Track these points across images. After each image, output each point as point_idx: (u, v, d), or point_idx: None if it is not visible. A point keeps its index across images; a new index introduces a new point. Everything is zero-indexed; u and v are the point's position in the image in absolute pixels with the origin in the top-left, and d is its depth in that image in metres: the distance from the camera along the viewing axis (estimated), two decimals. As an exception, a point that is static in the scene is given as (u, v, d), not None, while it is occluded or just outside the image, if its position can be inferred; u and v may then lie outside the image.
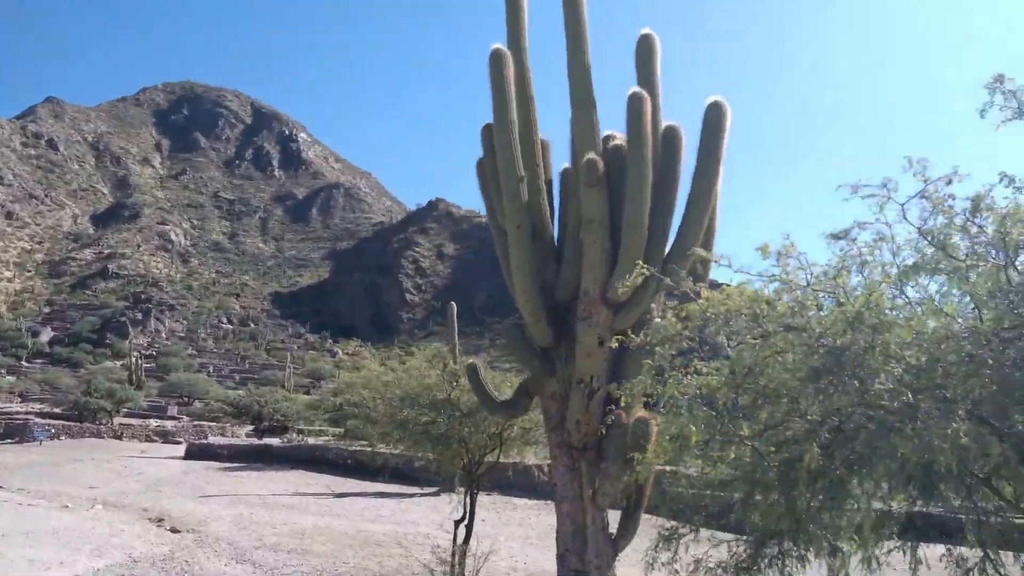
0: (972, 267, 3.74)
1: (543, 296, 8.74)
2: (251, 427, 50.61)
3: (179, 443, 43.03)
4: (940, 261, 3.92)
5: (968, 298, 3.86)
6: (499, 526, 18.74)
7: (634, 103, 8.06)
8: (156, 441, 45.19)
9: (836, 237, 4.95)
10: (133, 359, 71.88)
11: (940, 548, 4.49)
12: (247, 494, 23.53)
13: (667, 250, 8.45)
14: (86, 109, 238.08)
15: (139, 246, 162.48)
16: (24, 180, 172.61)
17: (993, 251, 3.79)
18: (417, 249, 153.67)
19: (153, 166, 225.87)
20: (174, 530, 16.48)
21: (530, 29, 9.31)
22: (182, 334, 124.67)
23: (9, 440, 39.19)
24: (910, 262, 4.55)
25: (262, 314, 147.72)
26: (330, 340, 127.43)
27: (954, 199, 3.88)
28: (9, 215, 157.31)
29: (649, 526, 8.25)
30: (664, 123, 8.70)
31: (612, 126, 8.78)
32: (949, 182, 3.85)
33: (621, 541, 8.58)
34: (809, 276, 4.44)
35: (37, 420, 43.38)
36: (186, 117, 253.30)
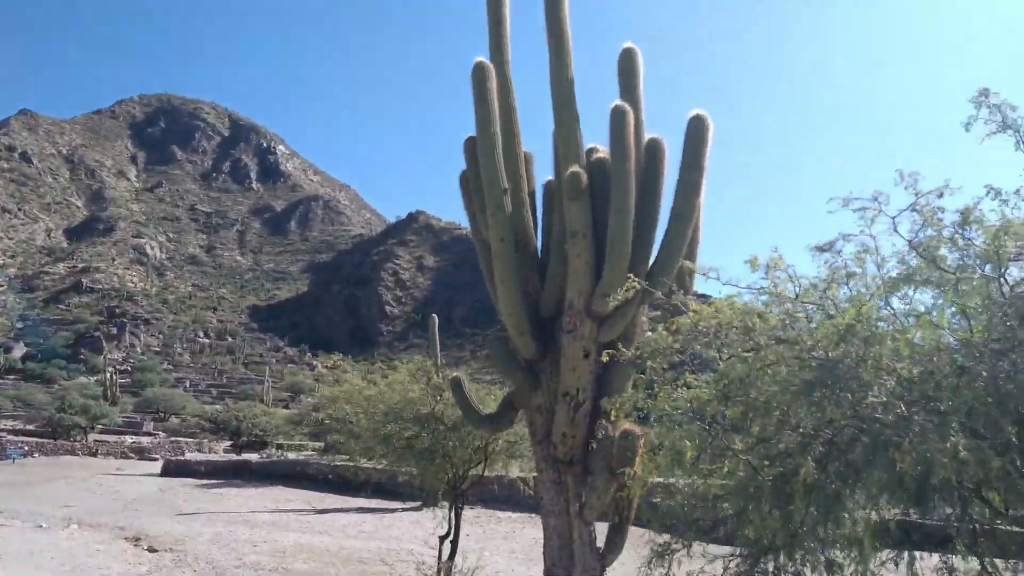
0: (964, 279, 3.76)
1: (527, 309, 8.71)
2: (229, 442, 49.98)
3: (155, 460, 42.38)
4: (928, 272, 3.94)
5: (956, 310, 3.88)
6: (484, 540, 18.60)
7: (617, 116, 8.09)
8: (132, 458, 44.47)
9: (821, 249, 4.97)
10: (108, 374, 70.74)
11: (931, 558, 4.50)
12: (226, 511, 23.18)
13: (651, 262, 8.47)
14: (61, 122, 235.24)
15: (114, 260, 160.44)
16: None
17: (981, 263, 3.82)
18: (397, 261, 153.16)
19: (128, 179, 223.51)
20: (152, 549, 16.16)
21: (512, 41, 9.33)
22: (157, 349, 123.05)
23: (-20, 459, 38.35)
24: (894, 274, 4.59)
25: (240, 328, 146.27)
26: (309, 353, 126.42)
27: (943, 212, 3.92)
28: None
29: (637, 539, 8.22)
30: (647, 136, 8.74)
31: (595, 139, 8.80)
32: (941, 195, 3.89)
33: (609, 555, 8.53)
34: (797, 288, 4.44)
35: (10, 438, 42.54)
36: (163, 130, 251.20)
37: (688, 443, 4.17)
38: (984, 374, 3.35)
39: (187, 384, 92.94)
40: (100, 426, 50.47)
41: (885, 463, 3.33)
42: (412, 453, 11.79)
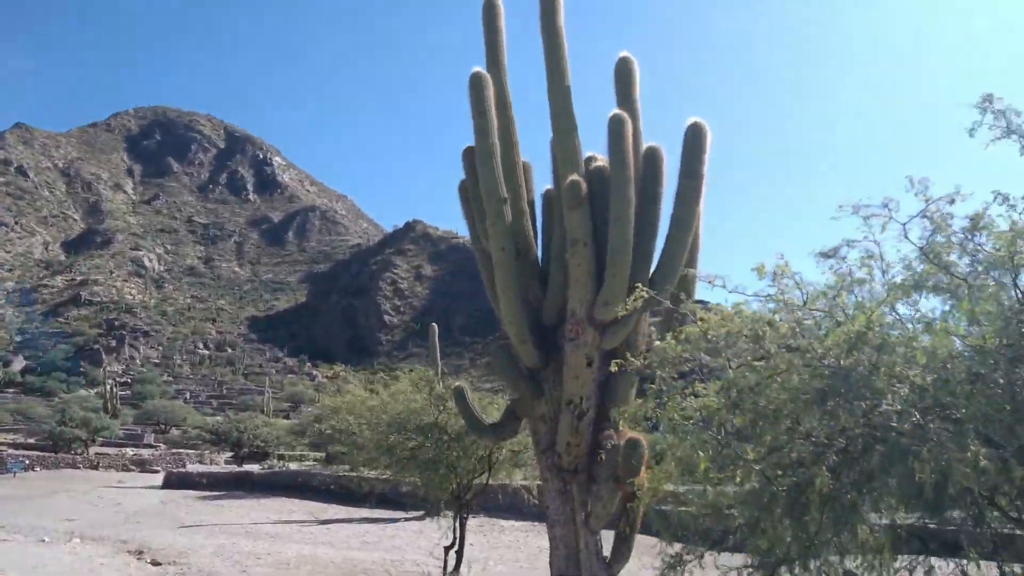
0: (982, 286, 3.75)
1: (529, 317, 8.69)
2: (230, 454, 49.83)
3: (157, 472, 42.25)
4: (938, 278, 3.92)
5: (967, 317, 3.86)
6: (488, 550, 18.53)
7: (615, 125, 8.09)
8: (133, 470, 44.33)
9: (826, 256, 4.96)
10: (108, 387, 70.56)
11: (940, 562, 4.48)
12: (228, 523, 23.08)
13: (652, 270, 8.46)
14: (56, 135, 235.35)
15: (112, 272, 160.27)
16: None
17: (992, 269, 3.80)
18: (395, 271, 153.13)
19: (125, 192, 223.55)
20: (155, 563, 16.08)
21: (509, 50, 9.35)
22: (157, 360, 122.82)
23: (-19, 474, 38.21)
24: (898, 279, 4.57)
25: (239, 339, 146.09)
26: (309, 364, 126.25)
27: (953, 218, 3.90)
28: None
29: (644, 548, 8.19)
30: (645, 144, 8.75)
31: (593, 148, 8.81)
32: (952, 201, 3.87)
33: (615, 565, 8.48)
34: (805, 296, 4.43)
35: (11, 451, 42.41)
36: (158, 142, 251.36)
37: (701, 454, 4.14)
38: (1001, 381, 3.33)
39: (187, 396, 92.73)
40: (101, 439, 50.30)
41: (903, 472, 3.31)
42: (416, 464, 11.75)
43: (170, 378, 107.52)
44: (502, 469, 12.76)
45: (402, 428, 11.90)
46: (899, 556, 4.15)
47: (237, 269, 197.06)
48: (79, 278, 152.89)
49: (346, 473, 31.09)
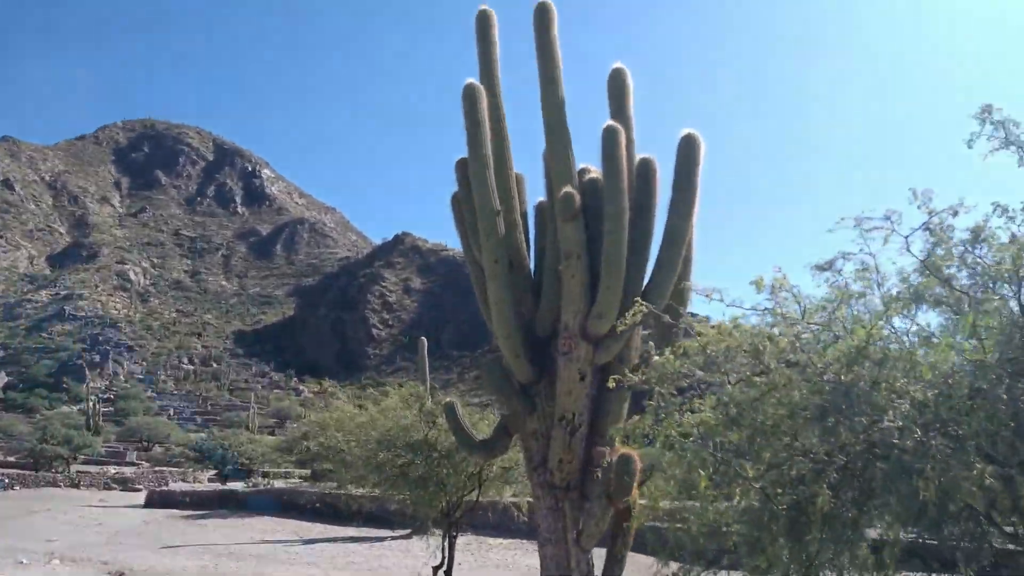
0: (985, 300, 3.68)
1: (522, 330, 8.59)
2: (214, 471, 49.20)
3: (139, 490, 41.61)
4: (938, 292, 3.86)
5: (967, 331, 3.79)
6: (476, 569, 18.28)
7: (609, 136, 8.05)
8: (115, 489, 43.64)
9: (821, 268, 4.89)
10: (91, 403, 69.71)
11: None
12: (212, 543, 22.70)
13: (645, 282, 8.39)
14: (43, 148, 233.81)
15: (97, 286, 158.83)
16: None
17: (992, 282, 3.74)
18: (383, 284, 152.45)
19: (112, 205, 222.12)
20: (136, 584, 15.75)
21: (503, 62, 9.30)
22: (141, 376, 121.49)
23: (-40, 492, 37.52)
24: (894, 292, 4.50)
25: (225, 353, 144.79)
26: (295, 378, 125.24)
27: (954, 230, 3.85)
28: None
29: (636, 566, 8.05)
30: (638, 156, 8.71)
31: (586, 160, 8.76)
32: (955, 213, 3.82)
33: (607, 583, 8.35)
34: (803, 309, 4.35)
35: (-10, 470, 41.68)
36: (146, 155, 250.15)
37: (701, 472, 4.04)
38: (1004, 396, 3.26)
39: (171, 412, 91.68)
40: (83, 456, 49.57)
41: (906, 489, 3.23)
42: (406, 481, 11.57)
43: (154, 394, 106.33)
44: (492, 486, 12.59)
45: (392, 445, 11.72)
46: (901, 573, 4.06)
47: (224, 283, 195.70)
48: (63, 292, 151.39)
49: (333, 491, 30.72)
